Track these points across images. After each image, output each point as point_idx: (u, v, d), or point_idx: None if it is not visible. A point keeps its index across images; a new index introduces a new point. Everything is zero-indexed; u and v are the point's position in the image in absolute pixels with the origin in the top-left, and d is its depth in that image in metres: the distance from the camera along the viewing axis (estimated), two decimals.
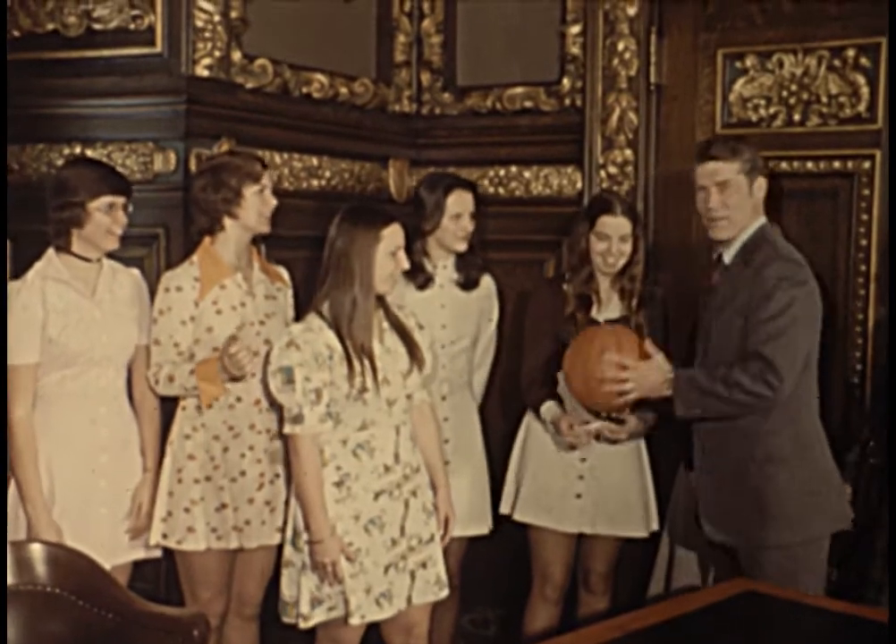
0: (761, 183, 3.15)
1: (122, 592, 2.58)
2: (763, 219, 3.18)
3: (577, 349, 3.35)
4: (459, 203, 3.63)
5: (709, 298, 3.23)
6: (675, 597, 3.21)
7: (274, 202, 3.26)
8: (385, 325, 3.11)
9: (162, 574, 3.40)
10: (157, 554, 3.24)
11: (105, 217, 3.06)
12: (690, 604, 2.77)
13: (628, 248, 3.53)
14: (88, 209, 3.04)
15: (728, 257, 3.16)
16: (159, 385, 3.18)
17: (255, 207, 3.22)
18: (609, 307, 3.59)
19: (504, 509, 3.69)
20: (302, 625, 3.02)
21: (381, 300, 3.09)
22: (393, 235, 3.03)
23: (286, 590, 3.07)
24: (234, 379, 3.11)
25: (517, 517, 3.65)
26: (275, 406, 3.14)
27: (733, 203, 3.12)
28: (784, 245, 3.16)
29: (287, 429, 2.99)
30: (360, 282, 2.99)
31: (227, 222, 3.23)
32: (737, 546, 3.16)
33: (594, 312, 3.57)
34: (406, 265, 3.06)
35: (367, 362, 2.98)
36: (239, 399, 3.22)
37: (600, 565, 3.69)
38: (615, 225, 3.50)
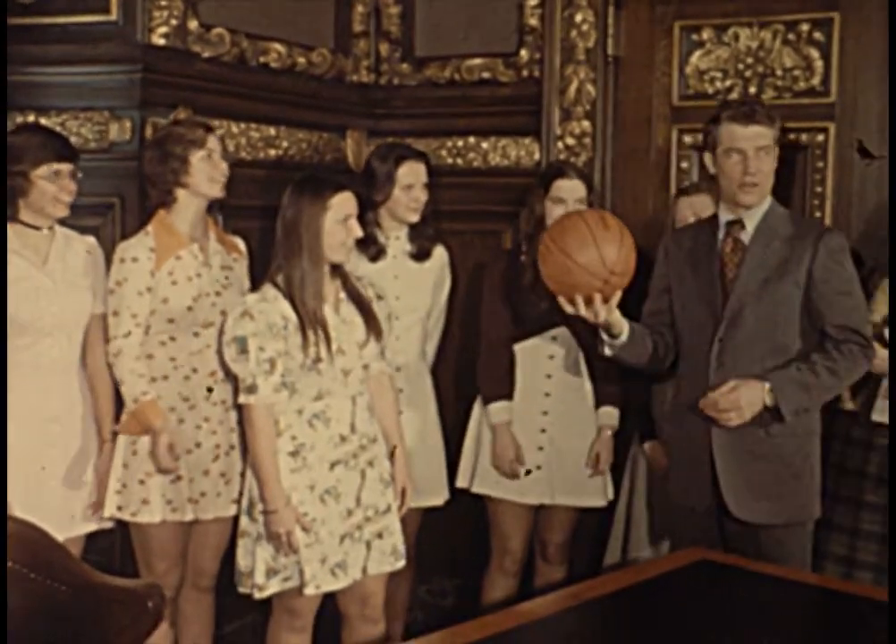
0: (777, 151, 3.07)
1: (76, 564, 2.55)
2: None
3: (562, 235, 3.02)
4: (410, 174, 3.61)
5: (722, 265, 3.07)
6: (631, 565, 3.25)
7: (223, 166, 3.23)
8: (342, 295, 3.10)
9: (116, 546, 3.39)
10: (109, 525, 3.23)
11: (51, 185, 3.02)
12: (646, 572, 2.80)
13: None
14: (32, 178, 3.01)
15: (751, 225, 3.05)
16: (113, 370, 3.16)
17: (204, 172, 3.19)
18: None
19: (462, 482, 3.69)
20: (257, 596, 3.02)
21: (337, 269, 3.09)
22: (342, 203, 3.02)
23: (241, 560, 3.08)
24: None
25: (476, 489, 3.66)
26: (230, 376, 3.14)
27: (768, 169, 3.03)
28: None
29: (242, 399, 2.99)
30: (309, 251, 2.99)
31: (179, 192, 3.21)
32: (764, 524, 3.05)
33: None
34: (359, 233, 3.05)
35: (321, 332, 2.98)
36: (195, 370, 3.21)
37: (557, 535, 3.71)
38: (571, 188, 3.50)
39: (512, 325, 3.59)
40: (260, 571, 3.01)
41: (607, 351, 3.07)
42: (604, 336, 3.03)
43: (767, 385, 2.93)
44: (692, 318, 3.10)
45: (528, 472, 3.54)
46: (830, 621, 2.58)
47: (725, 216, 3.07)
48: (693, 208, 3.49)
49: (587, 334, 3.42)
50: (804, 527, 3.09)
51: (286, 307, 2.98)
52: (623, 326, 3.01)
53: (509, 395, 3.56)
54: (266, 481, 2.97)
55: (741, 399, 2.92)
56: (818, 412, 3.07)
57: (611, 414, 3.60)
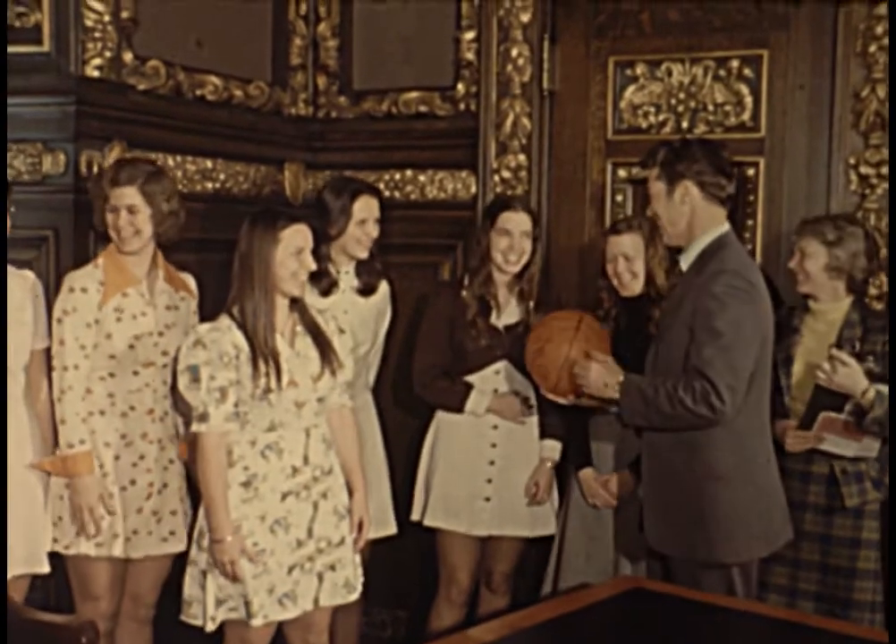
0: (685, 190, 3.03)
1: (9, 602, 2.54)
2: (724, 228, 3.07)
3: (551, 332, 3.37)
4: (365, 209, 3.62)
5: (667, 304, 3.21)
6: (565, 594, 3.26)
7: (126, 222, 3.20)
8: (299, 328, 3.11)
9: (53, 583, 3.34)
10: (47, 570, 3.15)
11: None
12: (579, 601, 2.81)
13: (529, 245, 3.57)
14: None
15: (684, 264, 3.10)
16: (58, 407, 3.13)
17: (110, 223, 3.22)
18: (507, 310, 3.63)
19: (415, 515, 3.70)
20: (210, 627, 3.01)
21: (296, 302, 3.10)
22: (293, 236, 3.04)
23: (187, 589, 3.07)
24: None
25: (427, 522, 3.66)
26: (181, 405, 3.16)
27: (657, 210, 3.10)
28: (739, 259, 3.05)
29: (193, 428, 3.00)
30: (261, 283, 3.01)
31: None
32: (675, 558, 3.10)
33: (493, 318, 3.60)
34: (311, 265, 3.06)
35: (272, 363, 2.99)
36: (132, 408, 3.20)
37: (503, 565, 3.73)
38: (517, 221, 3.55)
39: (452, 359, 3.60)
40: (211, 602, 3.00)
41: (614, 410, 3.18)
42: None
43: (621, 378, 3.05)
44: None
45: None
46: None
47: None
48: (620, 248, 3.51)
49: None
50: (721, 570, 3.02)
51: (239, 337, 2.99)
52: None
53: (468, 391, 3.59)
54: (213, 510, 2.96)
55: (592, 372, 3.10)
56: (721, 453, 2.99)
57: (552, 447, 3.63)
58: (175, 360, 3.09)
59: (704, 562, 3.01)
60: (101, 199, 3.22)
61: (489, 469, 3.60)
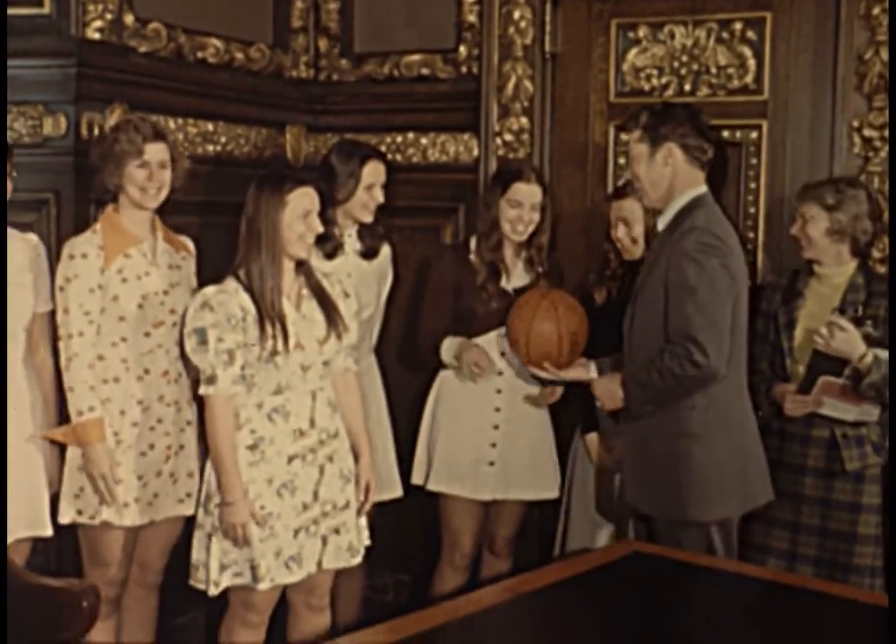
0: (668, 151, 3.08)
1: (9, 565, 2.55)
2: (701, 189, 3.11)
3: (522, 315, 3.41)
4: (373, 174, 3.62)
5: (644, 264, 3.22)
6: (565, 558, 3.28)
7: (160, 177, 3.20)
8: (305, 291, 3.12)
9: (53, 546, 3.36)
10: (49, 533, 3.17)
11: None
12: (580, 566, 2.83)
13: (537, 216, 3.57)
14: None
15: (661, 224, 3.14)
16: (65, 374, 3.12)
17: (136, 182, 3.17)
18: (516, 275, 3.63)
19: (417, 479, 3.71)
20: (213, 591, 3.03)
21: (302, 265, 3.10)
22: (300, 198, 3.03)
23: (195, 553, 3.09)
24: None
25: (430, 487, 3.67)
26: (190, 368, 3.15)
27: (639, 172, 3.12)
28: (711, 217, 3.08)
29: (202, 390, 3.01)
30: (268, 245, 3.01)
31: (119, 194, 3.20)
32: (656, 519, 3.13)
33: (503, 282, 3.60)
34: (318, 228, 3.06)
35: (278, 326, 3.00)
36: (147, 371, 3.20)
37: (506, 529, 3.75)
38: (528, 193, 3.54)
39: (457, 322, 3.60)
40: (215, 567, 3.02)
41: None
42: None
43: (619, 379, 3.09)
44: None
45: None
46: (765, 612, 2.61)
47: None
48: (619, 213, 3.53)
49: None
50: (700, 528, 3.05)
51: (246, 299, 3.00)
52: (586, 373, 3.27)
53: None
54: (224, 472, 2.98)
55: (597, 390, 3.16)
56: (695, 413, 3.02)
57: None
58: (183, 321, 3.09)
59: (681, 520, 3.04)
60: (126, 157, 3.15)
61: (493, 433, 3.61)
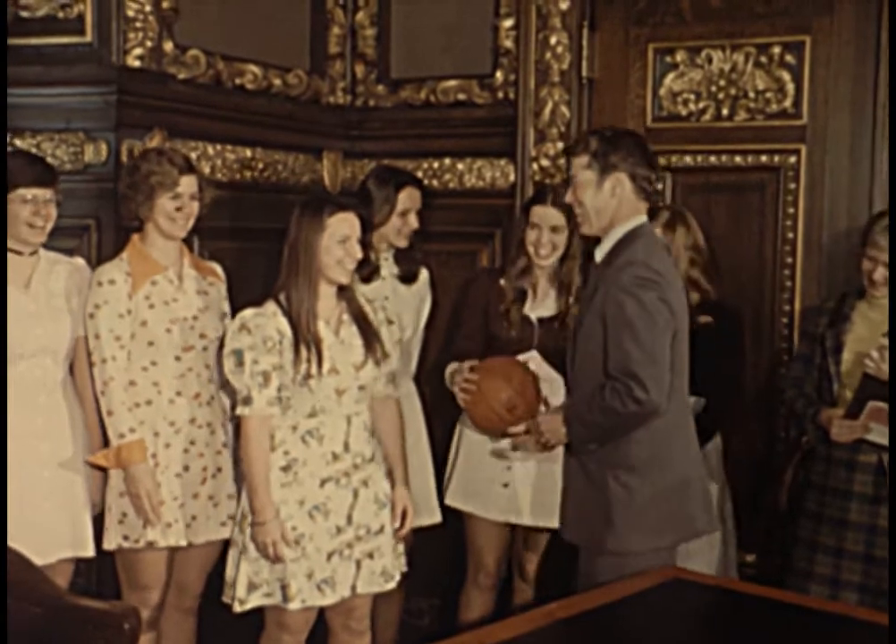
0: (616, 181, 2.97)
1: (51, 587, 2.56)
2: (641, 219, 3.02)
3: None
4: (408, 200, 3.66)
5: (582, 296, 3.17)
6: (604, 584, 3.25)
7: (191, 209, 3.22)
8: (345, 316, 3.13)
9: (94, 568, 3.37)
10: (92, 554, 3.18)
11: (23, 210, 3.03)
12: (618, 591, 2.80)
13: (560, 239, 3.53)
14: (6, 203, 3.01)
15: (599, 255, 3.05)
16: (102, 399, 3.14)
17: (166, 214, 3.19)
18: (545, 303, 3.60)
19: (447, 499, 3.71)
20: (237, 608, 3.04)
21: (344, 290, 3.12)
22: (339, 223, 3.04)
23: (228, 570, 3.11)
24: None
25: (447, 502, 3.68)
26: (228, 389, 3.18)
27: (583, 199, 3.01)
28: (649, 250, 2.98)
29: (238, 411, 3.04)
30: (305, 270, 3.03)
31: (147, 223, 3.23)
32: (580, 547, 3.09)
33: (527, 308, 3.57)
34: (357, 254, 3.06)
35: (313, 349, 3.01)
36: (178, 394, 3.22)
37: (532, 554, 3.72)
38: (543, 214, 3.51)
39: (485, 347, 3.59)
40: (242, 585, 3.04)
41: None
42: None
43: (561, 417, 3.02)
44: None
45: None
46: (808, 641, 2.57)
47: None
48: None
49: (559, 358, 3.45)
50: (618, 557, 2.97)
51: (283, 322, 3.02)
52: None
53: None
54: (256, 493, 3.00)
55: (540, 427, 3.07)
56: (635, 446, 2.95)
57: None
58: (221, 343, 3.12)
59: (613, 551, 2.98)
60: (159, 189, 3.17)
61: (510, 455, 3.58)
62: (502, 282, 3.61)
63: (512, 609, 3.65)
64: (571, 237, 3.53)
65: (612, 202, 2.99)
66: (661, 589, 2.81)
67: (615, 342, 2.90)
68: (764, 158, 3.83)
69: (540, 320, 3.55)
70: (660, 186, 4.01)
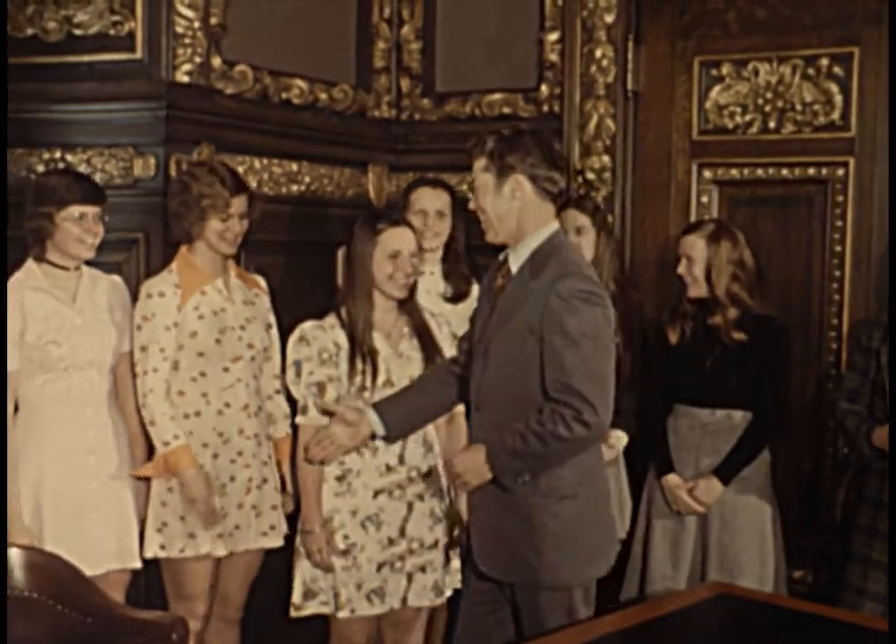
0: (516, 183, 2.78)
1: (101, 597, 2.59)
2: (554, 226, 2.84)
3: None
4: (421, 200, 3.62)
5: (490, 305, 2.89)
6: (649, 600, 3.23)
7: (240, 228, 3.24)
8: (407, 329, 3.16)
9: (142, 579, 3.40)
10: (139, 565, 3.21)
11: (75, 227, 3.07)
12: (664, 607, 2.79)
13: (587, 241, 3.56)
14: (56, 220, 3.05)
15: (514, 265, 2.82)
16: (144, 410, 3.17)
17: (216, 233, 3.22)
18: None
19: None
20: (293, 614, 3.10)
21: (405, 303, 3.15)
22: (390, 238, 3.08)
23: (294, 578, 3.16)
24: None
25: None
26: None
27: (483, 204, 2.82)
28: (576, 261, 2.81)
29: (297, 419, 3.12)
30: (360, 284, 3.09)
31: (196, 239, 3.25)
32: (513, 584, 2.86)
33: None
34: (408, 269, 3.08)
35: (369, 362, 3.05)
36: (227, 405, 3.24)
37: None
38: (566, 220, 3.50)
39: None
40: (297, 591, 3.10)
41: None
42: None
43: (482, 452, 2.78)
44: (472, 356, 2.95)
45: None
46: None
47: (506, 252, 2.90)
48: (682, 249, 3.50)
49: None
50: (563, 592, 2.81)
51: (341, 335, 3.08)
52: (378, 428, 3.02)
53: None
54: (306, 501, 3.08)
55: (458, 466, 2.83)
56: (566, 471, 2.76)
57: (618, 436, 3.56)
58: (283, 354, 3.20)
59: (550, 585, 2.79)
60: (211, 211, 3.19)
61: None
62: None
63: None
64: (599, 240, 3.53)
65: (513, 206, 2.78)
66: (708, 605, 2.79)
67: (557, 361, 2.67)
68: (811, 171, 3.80)
69: None
70: (705, 199, 4.01)
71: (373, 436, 3.05)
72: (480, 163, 2.81)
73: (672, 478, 3.52)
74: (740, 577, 3.37)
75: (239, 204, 3.24)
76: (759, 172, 3.92)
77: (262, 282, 3.46)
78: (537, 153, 2.78)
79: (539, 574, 2.79)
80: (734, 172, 3.97)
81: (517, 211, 2.78)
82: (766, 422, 3.46)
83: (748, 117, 3.93)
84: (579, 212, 3.59)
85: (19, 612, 2.48)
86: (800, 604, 2.87)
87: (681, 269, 3.49)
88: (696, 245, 3.46)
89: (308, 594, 3.09)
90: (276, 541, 3.32)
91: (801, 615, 2.75)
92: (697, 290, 3.48)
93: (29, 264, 3.11)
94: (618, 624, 2.66)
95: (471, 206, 2.88)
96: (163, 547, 3.19)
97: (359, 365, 3.04)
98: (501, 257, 2.90)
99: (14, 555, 2.56)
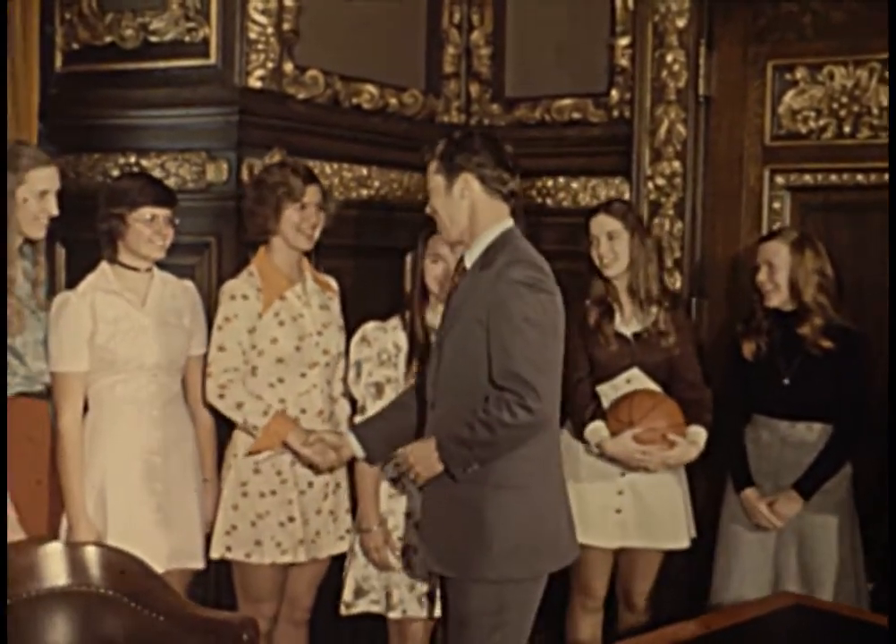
0: (464, 183, 2.79)
1: (174, 596, 2.62)
2: (508, 223, 2.83)
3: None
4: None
5: (447, 304, 2.91)
6: (721, 608, 3.20)
7: (316, 219, 3.27)
8: None
9: (212, 578, 3.43)
10: (202, 566, 3.22)
11: (146, 229, 3.10)
12: (738, 616, 2.77)
13: (620, 245, 3.46)
14: (128, 221, 3.09)
15: (468, 261, 2.83)
16: (223, 400, 3.19)
17: (293, 224, 3.24)
18: (633, 318, 3.53)
19: None
20: (343, 612, 3.17)
21: None
22: (434, 243, 3.14)
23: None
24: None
25: None
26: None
27: (436, 206, 2.85)
28: (527, 249, 2.81)
29: (356, 420, 3.16)
30: (416, 286, 3.19)
31: (273, 237, 3.28)
32: (449, 576, 2.81)
33: (617, 323, 3.50)
34: (437, 273, 3.14)
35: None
36: (303, 411, 3.26)
37: (641, 583, 3.62)
38: (598, 224, 3.48)
39: (587, 366, 3.51)
40: (349, 589, 3.17)
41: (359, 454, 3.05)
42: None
43: (432, 443, 2.76)
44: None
45: None
46: None
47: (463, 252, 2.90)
48: (763, 255, 3.45)
49: (663, 372, 3.43)
50: (495, 586, 2.72)
51: (402, 336, 3.15)
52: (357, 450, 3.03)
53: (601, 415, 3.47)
54: (364, 500, 3.16)
55: (410, 457, 2.81)
56: (513, 462, 2.71)
57: (696, 432, 3.45)
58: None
59: (491, 579, 2.72)
60: (285, 200, 3.22)
61: (620, 480, 3.51)
62: (587, 301, 3.55)
63: (619, 635, 3.58)
64: (632, 243, 3.48)
65: (462, 204, 2.80)
66: (780, 615, 2.76)
67: (501, 347, 2.66)
68: (887, 176, 3.74)
69: (635, 335, 3.50)
70: (777, 205, 3.96)
71: (353, 459, 3.08)
72: (432, 166, 2.86)
73: (750, 493, 3.46)
74: (821, 589, 3.30)
75: (312, 193, 3.27)
76: (833, 177, 3.86)
77: (334, 283, 3.48)
78: (486, 153, 2.82)
79: (479, 566, 2.72)
80: (807, 177, 3.91)
81: (467, 210, 2.81)
82: (847, 435, 3.40)
83: (822, 122, 3.88)
84: (609, 216, 3.51)
85: (96, 608, 2.52)
86: (873, 616, 2.83)
87: (762, 277, 3.44)
88: (779, 252, 3.41)
89: (360, 592, 3.16)
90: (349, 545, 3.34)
91: (875, 629, 2.72)
92: (779, 298, 3.43)
93: (103, 266, 3.16)
94: (691, 632, 2.64)
95: (427, 209, 2.90)
96: (229, 549, 3.22)
97: (416, 366, 3.09)
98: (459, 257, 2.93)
99: (92, 552, 2.59)
